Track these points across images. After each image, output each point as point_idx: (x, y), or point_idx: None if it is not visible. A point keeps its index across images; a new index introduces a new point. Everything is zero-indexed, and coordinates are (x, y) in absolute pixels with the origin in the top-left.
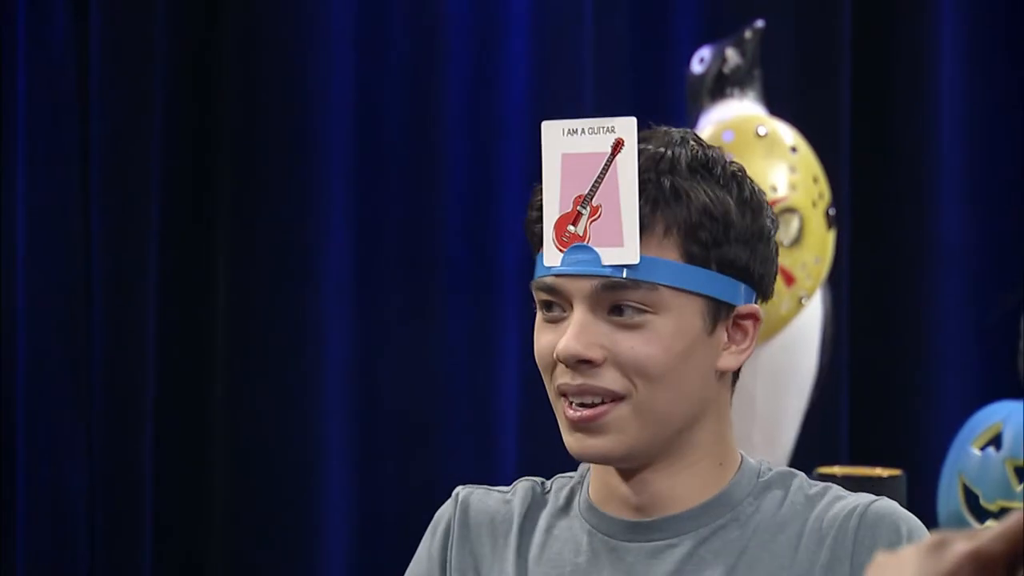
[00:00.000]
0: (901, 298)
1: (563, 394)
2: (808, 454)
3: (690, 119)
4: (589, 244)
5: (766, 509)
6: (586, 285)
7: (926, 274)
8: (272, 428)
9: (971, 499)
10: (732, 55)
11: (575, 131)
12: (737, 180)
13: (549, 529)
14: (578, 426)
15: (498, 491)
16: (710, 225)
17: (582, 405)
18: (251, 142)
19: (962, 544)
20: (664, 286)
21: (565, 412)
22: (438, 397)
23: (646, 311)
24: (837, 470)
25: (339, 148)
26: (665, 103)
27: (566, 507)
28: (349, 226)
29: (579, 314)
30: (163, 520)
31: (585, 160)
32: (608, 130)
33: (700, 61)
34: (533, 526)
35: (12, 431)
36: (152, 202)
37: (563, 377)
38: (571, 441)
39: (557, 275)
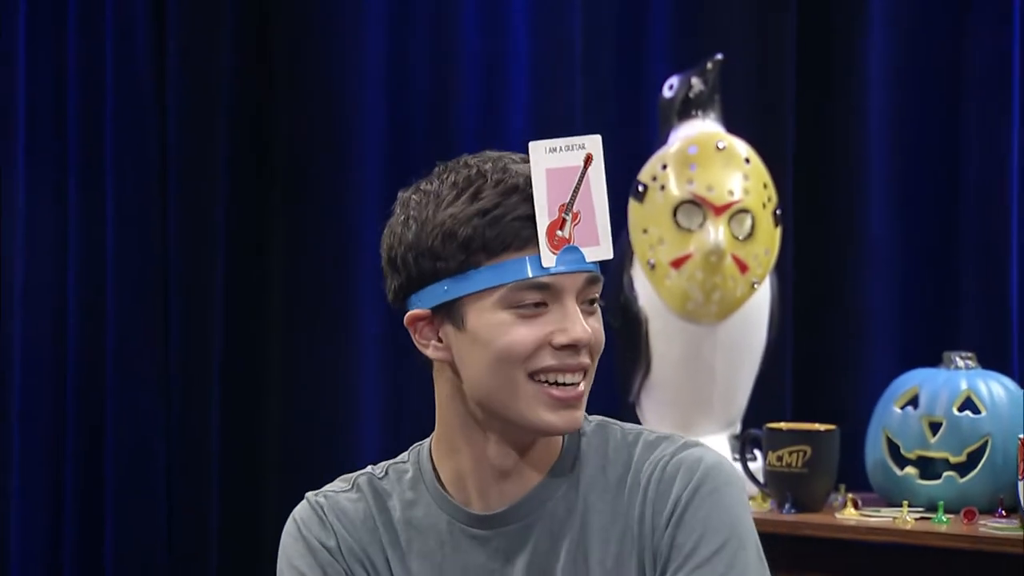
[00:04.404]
0: (836, 283)
1: (544, 374)
2: (759, 413)
3: (662, 135)
4: (576, 245)
5: (594, 469)
6: (580, 280)
7: (857, 262)
8: (318, 401)
9: (893, 449)
10: (696, 83)
11: (555, 149)
12: None
13: (408, 521)
14: (566, 403)
15: (343, 492)
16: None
17: (564, 385)
18: (300, 156)
19: None
20: None
21: (550, 393)
22: None
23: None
24: (783, 425)
25: (373, 159)
26: (641, 122)
27: (414, 497)
28: (382, 228)
29: (573, 305)
30: (227, 488)
31: (564, 173)
32: (579, 147)
33: (670, 87)
34: (390, 518)
35: (103, 411)
36: (218, 205)
37: (551, 359)
38: (555, 419)
39: (555, 274)
